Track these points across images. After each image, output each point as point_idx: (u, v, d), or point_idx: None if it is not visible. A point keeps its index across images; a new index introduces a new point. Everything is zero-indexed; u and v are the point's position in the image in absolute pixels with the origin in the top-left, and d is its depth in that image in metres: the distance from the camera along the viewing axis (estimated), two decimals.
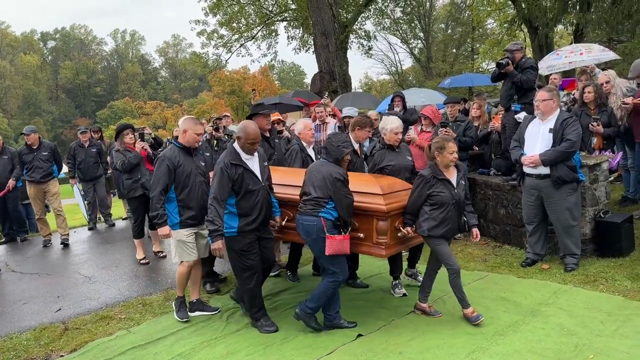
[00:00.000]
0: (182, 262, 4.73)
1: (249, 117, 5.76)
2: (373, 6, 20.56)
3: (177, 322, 4.67)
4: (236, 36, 22.07)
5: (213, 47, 22.87)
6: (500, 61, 6.12)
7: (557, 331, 4.02)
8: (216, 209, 4.15)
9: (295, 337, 4.22)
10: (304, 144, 5.57)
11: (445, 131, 6.11)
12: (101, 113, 60.53)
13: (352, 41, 21.02)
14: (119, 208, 10.28)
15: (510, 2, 20.93)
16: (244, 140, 4.28)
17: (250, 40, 22.26)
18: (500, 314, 4.41)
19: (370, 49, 22.96)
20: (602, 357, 3.60)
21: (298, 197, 4.39)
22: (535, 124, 5.05)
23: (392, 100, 8.25)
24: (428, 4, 36.44)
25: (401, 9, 25.36)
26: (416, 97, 11.68)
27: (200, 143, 5.07)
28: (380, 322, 4.40)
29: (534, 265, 5.36)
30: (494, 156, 6.93)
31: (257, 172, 4.34)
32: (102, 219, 9.57)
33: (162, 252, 6.96)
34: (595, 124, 6.22)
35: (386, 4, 21.99)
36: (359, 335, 4.16)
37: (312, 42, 16.58)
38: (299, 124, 5.80)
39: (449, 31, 39.12)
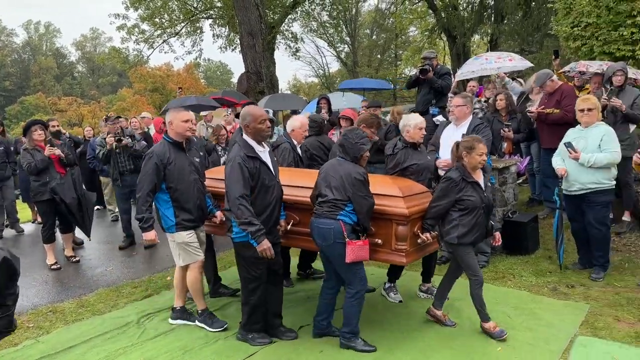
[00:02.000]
0: (189, 267, 4.34)
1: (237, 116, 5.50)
2: (300, 8, 20.66)
3: (90, 329, 4.46)
4: (159, 32, 21.38)
5: (134, 43, 22.02)
6: (424, 68, 6.45)
7: (469, 325, 4.24)
8: (247, 208, 3.68)
9: (216, 341, 4.16)
10: (295, 143, 5.22)
11: (506, 131, 6.16)
12: (11, 109, 56.24)
13: (280, 42, 21.04)
14: (25, 211, 9.58)
15: (430, 11, 21.80)
16: (254, 122, 3.84)
17: (174, 36, 21.64)
18: (417, 309, 4.59)
19: (297, 50, 23.10)
20: (509, 350, 3.84)
21: (305, 200, 4.08)
22: (450, 129, 5.28)
23: (318, 103, 8.35)
24: (354, 9, 37.12)
25: (327, 13, 25.67)
26: (339, 101, 11.88)
27: (203, 137, 4.72)
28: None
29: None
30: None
31: (271, 166, 3.94)
32: (10, 225, 8.71)
33: (74, 256, 6.61)
34: (506, 129, 6.62)
35: (312, 7, 22.17)
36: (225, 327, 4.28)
37: (239, 42, 16.40)
38: (295, 121, 5.32)
39: (374, 37, 40.06)
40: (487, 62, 9.14)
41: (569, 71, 6.93)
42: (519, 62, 9.40)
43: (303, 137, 5.32)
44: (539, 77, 6.39)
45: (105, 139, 6.99)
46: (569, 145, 5.07)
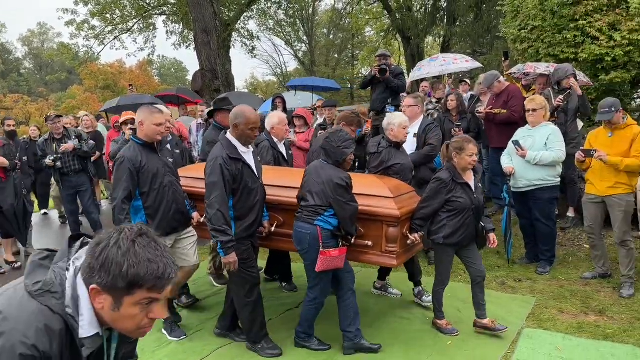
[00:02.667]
0: None
1: (210, 114, 5.20)
2: (256, 6, 20.50)
3: None
4: (109, 28, 20.75)
5: (83, 39, 21.27)
6: (383, 68, 6.57)
7: (421, 319, 4.33)
8: (223, 215, 3.51)
9: (168, 345, 4.08)
10: (275, 140, 4.99)
11: (457, 131, 6.16)
12: None
13: (235, 40, 20.80)
14: None
15: (386, 12, 22.09)
16: (244, 126, 3.64)
17: (126, 33, 21.05)
18: (372, 306, 4.65)
19: (254, 49, 22.86)
20: (459, 343, 3.95)
21: (290, 200, 3.96)
22: None
23: (273, 102, 8.32)
24: (311, 8, 37.19)
25: (284, 12, 25.59)
26: (293, 100, 11.87)
27: (169, 138, 4.44)
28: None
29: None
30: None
31: (254, 168, 3.78)
32: None
33: (15, 262, 6.35)
34: (457, 129, 6.78)
35: (268, 5, 22.04)
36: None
37: (193, 39, 16.13)
38: (273, 118, 5.07)
39: (331, 37, 40.23)
40: (446, 64, 9.33)
41: (515, 73, 7.15)
42: (473, 64, 9.65)
43: (284, 133, 5.11)
44: (487, 79, 6.57)
45: (47, 140, 6.72)
46: (516, 143, 5.25)
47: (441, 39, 22.05)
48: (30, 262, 1.49)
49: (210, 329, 4.28)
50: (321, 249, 3.53)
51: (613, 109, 4.70)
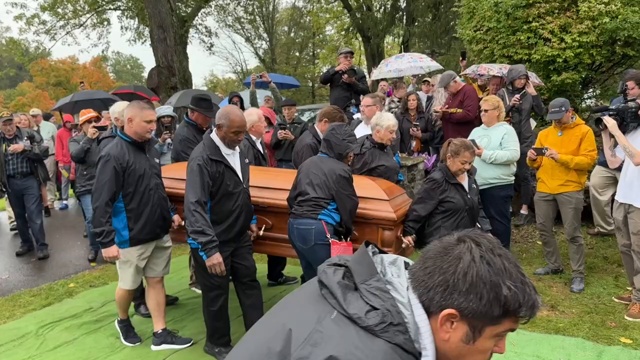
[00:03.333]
0: (149, 280, 3.95)
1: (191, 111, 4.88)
2: (214, 2, 20.23)
3: None
4: (61, 23, 20.05)
5: (33, 34, 20.51)
6: (353, 68, 6.62)
7: None
8: (202, 215, 3.34)
9: (123, 349, 3.96)
10: (254, 138, 4.78)
11: (415, 130, 6.12)
12: None
13: (193, 36, 20.48)
14: None
15: (346, 11, 22.18)
16: (227, 129, 3.45)
17: (78, 28, 20.40)
18: None
19: (212, 45, 22.62)
20: None
21: (280, 203, 3.80)
22: (361, 128, 5.39)
23: (230, 100, 8.20)
24: (271, 5, 36.98)
25: (243, 8, 25.36)
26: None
27: (153, 133, 4.20)
28: None
29: None
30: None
31: (238, 171, 3.59)
32: None
33: None
34: (415, 128, 6.87)
35: (227, 1, 21.79)
36: (193, 342, 4.04)
37: (149, 35, 15.76)
38: (251, 115, 4.82)
39: (292, 34, 40.14)
40: (413, 61, 9.38)
41: (470, 73, 7.29)
42: (436, 64, 9.77)
43: (263, 130, 4.97)
44: (443, 79, 6.68)
45: None
46: (472, 142, 5.35)
47: (400, 38, 22.33)
48: (335, 284, 1.17)
49: None
50: (331, 239, 3.39)
51: (563, 108, 4.83)
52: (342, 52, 7.18)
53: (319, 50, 37.83)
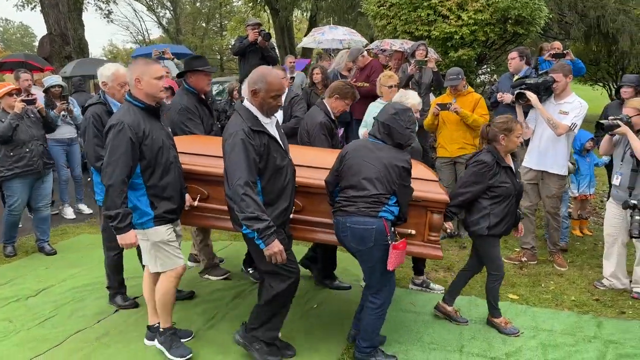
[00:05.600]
0: (163, 274, 3.31)
1: (181, 75, 4.40)
2: None
3: None
4: None
5: None
6: (268, 32, 6.48)
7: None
8: (253, 199, 2.84)
9: (17, 333, 3.73)
10: None
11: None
12: None
13: (89, 2, 19.11)
14: None
15: None
16: (265, 93, 2.99)
17: None
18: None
19: (110, 13, 21.25)
20: (325, 305, 4.13)
21: (315, 183, 3.33)
22: None
23: None
24: None
25: None
26: None
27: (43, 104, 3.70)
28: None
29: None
30: None
31: (280, 141, 3.12)
32: None
33: None
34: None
35: None
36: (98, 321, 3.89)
37: (39, 0, 14.50)
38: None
39: (198, 4, 38.67)
40: (349, 33, 9.24)
41: (373, 49, 7.47)
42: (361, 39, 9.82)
43: (238, 101, 4.62)
44: (351, 53, 6.80)
45: None
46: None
47: (308, 13, 22.29)
48: None
49: (66, 314, 3.99)
50: (392, 243, 3.05)
51: (460, 76, 5.29)
52: (249, 24, 7.03)
53: (226, 22, 36.83)
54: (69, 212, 6.81)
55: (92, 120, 3.82)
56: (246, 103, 3.07)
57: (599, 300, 4.24)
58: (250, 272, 4.64)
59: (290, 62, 9.05)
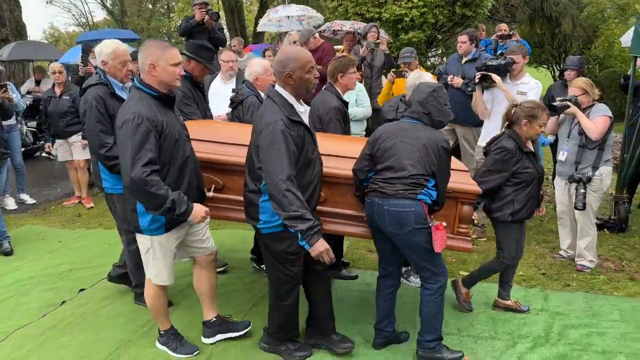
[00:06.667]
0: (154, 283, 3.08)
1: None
2: None
3: None
4: None
5: None
6: (217, 12, 6.30)
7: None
8: (296, 196, 2.64)
9: None
10: (262, 95, 4.04)
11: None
12: None
13: None
14: None
15: None
16: (301, 71, 2.75)
17: None
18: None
19: None
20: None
21: (340, 173, 3.16)
22: (217, 83, 5.28)
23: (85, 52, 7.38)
24: None
25: None
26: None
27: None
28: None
29: None
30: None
31: (312, 132, 2.93)
32: None
33: None
34: None
35: None
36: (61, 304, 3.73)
37: None
38: (255, 66, 4.19)
39: None
40: (301, 10, 9.06)
41: (325, 30, 7.43)
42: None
43: (269, 85, 4.07)
44: (303, 35, 6.72)
45: None
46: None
47: None
48: None
49: (9, 309, 3.80)
50: (433, 224, 2.90)
51: (413, 54, 5.43)
52: (196, 3, 6.82)
53: (173, 3, 35.71)
54: (10, 203, 6.48)
55: (95, 104, 3.41)
56: (278, 89, 2.82)
57: (545, 274, 4.41)
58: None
59: (234, 46, 8.81)
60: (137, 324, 3.57)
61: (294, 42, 6.89)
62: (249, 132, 2.95)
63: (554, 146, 5.47)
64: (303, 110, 2.86)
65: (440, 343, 3.13)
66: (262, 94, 4.06)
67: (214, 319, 3.32)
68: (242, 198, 3.03)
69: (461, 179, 3.16)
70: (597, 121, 4.22)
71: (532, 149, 3.57)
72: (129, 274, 3.81)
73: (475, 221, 3.56)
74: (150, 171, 2.64)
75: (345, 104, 3.97)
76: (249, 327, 3.36)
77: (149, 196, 2.66)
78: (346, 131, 3.99)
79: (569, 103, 4.30)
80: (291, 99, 2.81)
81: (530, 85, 4.82)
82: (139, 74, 2.87)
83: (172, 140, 2.81)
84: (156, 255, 2.97)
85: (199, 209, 2.83)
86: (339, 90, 3.95)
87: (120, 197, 3.41)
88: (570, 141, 4.42)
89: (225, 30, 22.27)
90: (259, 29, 9.43)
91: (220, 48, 6.41)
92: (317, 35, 6.73)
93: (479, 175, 3.51)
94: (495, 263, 3.65)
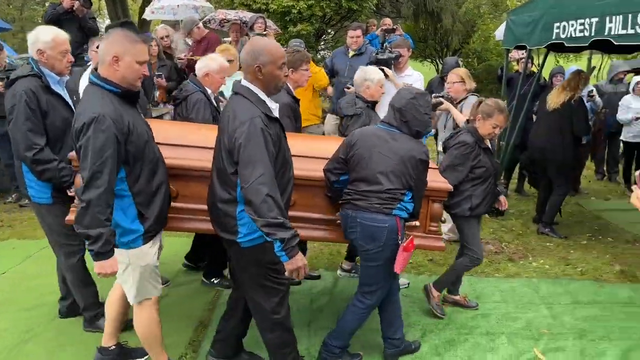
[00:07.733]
0: (142, 301, 2.66)
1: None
2: None
3: None
4: None
5: None
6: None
7: None
8: (277, 202, 2.31)
9: None
10: (209, 92, 3.80)
11: (159, 80, 5.25)
12: None
13: None
14: None
15: None
16: (272, 66, 2.45)
17: None
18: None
19: None
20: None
21: (310, 175, 2.91)
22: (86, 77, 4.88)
23: None
24: None
25: None
26: None
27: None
28: None
29: None
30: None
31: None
32: None
33: None
34: (157, 79, 6.47)
35: None
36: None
37: None
38: (211, 61, 3.84)
39: None
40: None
41: (211, 22, 7.16)
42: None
43: (220, 85, 3.96)
44: (186, 24, 6.45)
45: None
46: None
47: None
48: None
49: None
50: (402, 244, 2.79)
51: (302, 45, 5.43)
52: None
53: None
54: None
55: (26, 98, 2.93)
56: (246, 83, 2.52)
57: (432, 260, 4.56)
58: (215, 282, 4.04)
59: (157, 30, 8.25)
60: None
61: (166, 36, 6.51)
62: (199, 132, 2.72)
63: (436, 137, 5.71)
64: (275, 107, 2.58)
65: (344, 350, 3.08)
66: (209, 91, 3.85)
67: (112, 346, 2.96)
68: (201, 206, 2.73)
69: (431, 176, 3.07)
70: (468, 113, 4.46)
71: (490, 145, 3.61)
72: (73, 294, 3.31)
73: (442, 218, 3.58)
74: (105, 192, 2.30)
75: (297, 100, 3.78)
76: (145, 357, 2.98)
77: (92, 216, 2.29)
78: (297, 128, 3.82)
79: (442, 100, 4.50)
80: (262, 95, 2.52)
81: (414, 77, 5.00)
82: (96, 67, 2.50)
83: (141, 141, 2.49)
84: (139, 273, 2.60)
85: (113, 262, 2.42)
86: (290, 87, 3.74)
87: (50, 208, 3.05)
88: (446, 133, 4.62)
89: (108, 20, 20.96)
90: (148, 17, 8.79)
91: (91, 38, 5.93)
92: (200, 25, 6.44)
93: (444, 170, 3.46)
94: (464, 262, 3.60)
